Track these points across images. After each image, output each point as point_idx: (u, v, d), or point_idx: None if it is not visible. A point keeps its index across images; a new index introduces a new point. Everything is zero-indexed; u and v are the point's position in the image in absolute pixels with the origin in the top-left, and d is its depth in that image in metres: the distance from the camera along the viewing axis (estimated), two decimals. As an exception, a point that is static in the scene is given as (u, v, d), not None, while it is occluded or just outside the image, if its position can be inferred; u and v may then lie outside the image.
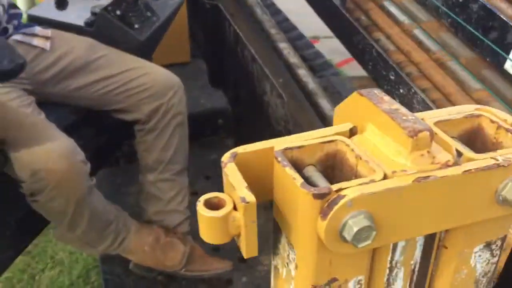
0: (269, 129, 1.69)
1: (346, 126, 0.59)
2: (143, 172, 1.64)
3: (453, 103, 1.48)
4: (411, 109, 1.53)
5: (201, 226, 0.55)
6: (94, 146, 1.66)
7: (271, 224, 2.05)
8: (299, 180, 0.52)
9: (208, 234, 0.56)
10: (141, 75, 1.54)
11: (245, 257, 0.56)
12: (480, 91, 1.41)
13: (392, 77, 1.60)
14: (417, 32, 1.63)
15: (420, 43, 1.61)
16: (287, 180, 0.53)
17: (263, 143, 0.59)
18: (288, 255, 0.60)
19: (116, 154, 2.01)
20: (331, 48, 3.31)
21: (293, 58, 1.90)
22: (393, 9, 1.74)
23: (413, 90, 1.51)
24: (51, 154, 1.19)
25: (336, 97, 2.00)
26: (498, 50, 1.14)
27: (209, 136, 2.21)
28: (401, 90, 1.57)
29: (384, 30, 1.76)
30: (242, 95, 1.98)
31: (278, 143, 0.57)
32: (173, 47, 2.31)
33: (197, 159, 1.84)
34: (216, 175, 2.11)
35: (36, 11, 1.74)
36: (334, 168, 0.58)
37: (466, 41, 1.34)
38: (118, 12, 1.64)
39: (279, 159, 0.55)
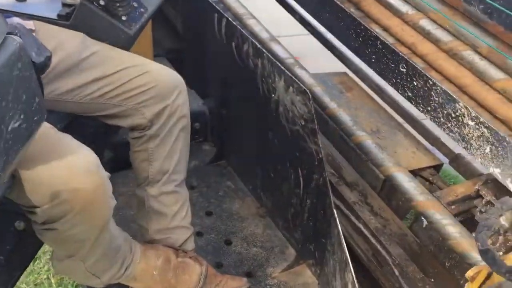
0: (275, 129, 1.56)
1: None
2: (142, 185, 1.43)
3: (469, 95, 1.46)
4: (430, 102, 1.49)
5: None
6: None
7: (271, 232, 1.91)
8: None
9: None
10: (141, 73, 1.33)
11: None
12: (504, 81, 1.40)
13: (403, 70, 1.54)
14: (424, 22, 1.59)
15: (428, 34, 1.57)
16: None
17: None
18: None
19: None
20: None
21: (288, 57, 1.80)
22: (392, 0, 1.69)
23: (431, 82, 1.46)
24: (74, 171, 0.96)
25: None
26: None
27: (186, 142, 2.01)
28: (415, 83, 1.52)
29: (380, 22, 1.71)
30: (233, 96, 1.82)
31: None
32: (134, 45, 2.09)
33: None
34: (201, 183, 1.93)
35: (-7, 2, 1.46)
36: None
37: (504, 26, 1.31)
38: (102, 2, 1.41)
39: None
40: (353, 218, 1.57)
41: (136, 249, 1.35)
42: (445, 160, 1.91)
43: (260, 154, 1.75)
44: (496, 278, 1.02)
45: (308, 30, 2.32)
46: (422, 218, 1.54)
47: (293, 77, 1.38)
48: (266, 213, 1.82)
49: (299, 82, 1.36)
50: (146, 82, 1.33)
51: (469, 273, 1.08)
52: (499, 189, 1.49)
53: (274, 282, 1.62)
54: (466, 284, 1.08)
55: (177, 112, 1.38)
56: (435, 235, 1.49)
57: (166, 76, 1.37)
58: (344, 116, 1.63)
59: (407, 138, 1.94)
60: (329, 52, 2.26)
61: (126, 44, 1.47)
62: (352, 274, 1.26)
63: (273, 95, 1.51)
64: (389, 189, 1.71)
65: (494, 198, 1.49)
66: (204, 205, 1.84)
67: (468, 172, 1.82)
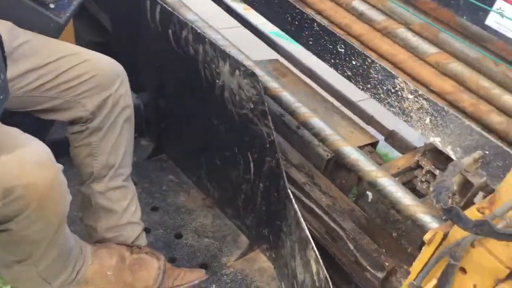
0: (221, 116, 1.53)
1: None
2: (87, 182, 1.34)
3: (405, 71, 1.52)
4: (369, 79, 1.53)
5: None
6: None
7: (220, 222, 1.88)
8: None
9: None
10: (79, 62, 1.25)
11: None
12: (437, 54, 1.47)
13: (341, 50, 1.58)
14: (356, 3, 1.64)
15: (361, 15, 1.62)
16: None
17: None
18: None
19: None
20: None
21: (227, 43, 1.77)
22: (323, -16, 1.72)
23: (369, 60, 1.51)
24: (26, 164, 0.88)
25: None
26: (480, 4, 1.19)
27: (121, 137, 1.92)
28: (354, 62, 1.56)
29: (314, 6, 1.73)
30: (171, 85, 1.76)
31: None
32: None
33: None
34: (142, 179, 1.86)
35: None
36: None
37: (437, 2, 1.38)
38: (26, -11, 1.31)
39: None
40: (304, 199, 1.59)
41: (86, 250, 1.27)
42: (380, 137, 1.99)
43: (204, 143, 1.72)
44: (452, 238, 1.07)
45: (238, 20, 2.30)
46: (367, 192, 1.59)
47: (239, 60, 1.36)
48: (213, 203, 1.79)
49: (246, 65, 1.35)
50: (86, 71, 1.25)
51: (426, 236, 1.12)
52: (437, 158, 1.57)
53: (230, 271, 1.60)
54: (423, 248, 1.12)
55: (121, 102, 1.31)
56: (380, 207, 1.54)
57: (107, 64, 1.29)
58: (287, 96, 1.63)
59: (344, 119, 1.99)
60: (255, 43, 2.26)
61: (56, 33, 1.38)
62: (314, 251, 1.27)
63: (217, 81, 1.48)
64: (332, 168, 1.75)
65: (433, 167, 1.57)
66: (149, 201, 1.77)
67: (402, 146, 1.91)
